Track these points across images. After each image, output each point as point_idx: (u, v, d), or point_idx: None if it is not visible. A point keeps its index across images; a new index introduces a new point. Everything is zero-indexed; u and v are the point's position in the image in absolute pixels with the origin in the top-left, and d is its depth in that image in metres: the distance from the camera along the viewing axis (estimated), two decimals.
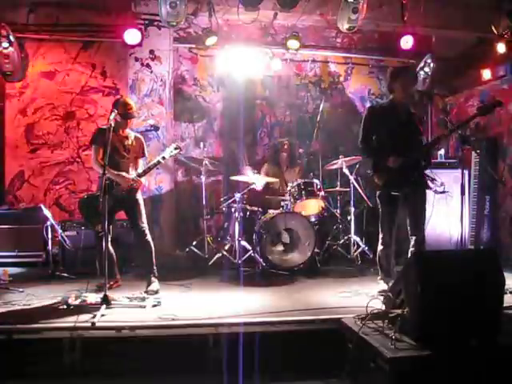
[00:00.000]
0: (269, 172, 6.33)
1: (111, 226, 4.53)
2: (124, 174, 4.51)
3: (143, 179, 4.65)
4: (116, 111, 4.34)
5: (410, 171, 4.18)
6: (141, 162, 4.78)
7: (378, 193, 4.39)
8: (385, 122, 4.27)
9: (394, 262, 4.41)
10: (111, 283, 4.53)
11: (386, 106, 4.46)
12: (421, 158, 4.26)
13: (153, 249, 4.60)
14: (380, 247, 4.38)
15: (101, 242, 4.33)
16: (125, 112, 4.51)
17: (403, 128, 4.25)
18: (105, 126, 4.46)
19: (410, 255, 4.24)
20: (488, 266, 3.03)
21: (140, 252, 4.71)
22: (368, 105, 7.25)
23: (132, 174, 4.60)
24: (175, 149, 4.71)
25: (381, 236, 4.37)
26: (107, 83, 6.67)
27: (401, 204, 4.30)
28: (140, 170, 4.64)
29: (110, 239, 4.45)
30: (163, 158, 4.63)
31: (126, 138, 4.65)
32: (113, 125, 4.15)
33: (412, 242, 4.26)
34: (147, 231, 4.61)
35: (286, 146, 6.40)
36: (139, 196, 4.67)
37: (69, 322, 3.51)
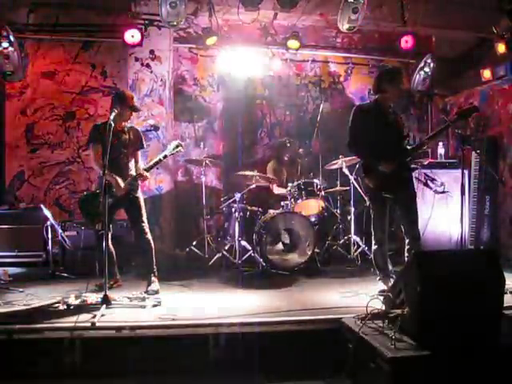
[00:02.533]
0: (272, 171, 6.37)
1: (111, 225, 4.52)
2: (120, 181, 4.43)
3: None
4: (118, 109, 4.28)
5: (399, 173, 4.21)
6: (140, 153, 4.73)
7: (368, 194, 4.42)
8: (373, 122, 4.26)
9: (389, 260, 4.43)
10: (111, 283, 4.52)
11: (372, 107, 4.40)
12: (406, 161, 4.30)
13: (153, 248, 4.58)
14: (374, 246, 4.40)
15: (101, 242, 4.33)
16: (132, 105, 4.47)
17: (391, 129, 4.28)
18: (99, 123, 4.44)
19: (406, 253, 4.28)
20: (488, 266, 3.03)
21: (140, 252, 4.69)
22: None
23: (132, 171, 4.58)
24: (177, 146, 4.63)
25: (374, 235, 4.40)
26: (107, 83, 6.68)
27: (392, 204, 4.33)
28: (142, 167, 4.59)
29: (109, 238, 4.44)
30: (165, 156, 4.59)
31: (123, 132, 4.55)
32: (113, 125, 4.09)
33: (407, 240, 4.28)
34: (147, 230, 4.58)
35: (289, 146, 6.44)
36: (139, 195, 4.63)
37: (69, 322, 3.50)
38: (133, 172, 4.59)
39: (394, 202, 4.32)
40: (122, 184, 4.43)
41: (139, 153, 4.72)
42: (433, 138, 4.41)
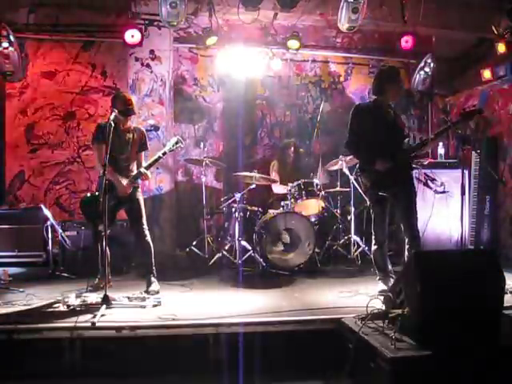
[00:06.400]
0: (276, 170, 6.39)
1: (111, 226, 4.50)
2: (122, 179, 4.44)
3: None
4: (116, 110, 4.29)
5: (397, 172, 4.20)
6: (143, 155, 4.70)
7: (367, 193, 4.44)
8: (372, 121, 4.27)
9: (389, 261, 4.43)
10: (103, 283, 4.47)
11: (372, 106, 4.44)
12: (406, 161, 4.28)
13: (152, 249, 4.58)
14: (374, 247, 4.41)
15: (98, 242, 4.33)
16: (124, 108, 4.43)
17: (390, 129, 4.28)
18: (103, 122, 4.42)
19: (406, 253, 4.27)
20: (488, 266, 3.03)
21: (139, 252, 4.70)
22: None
23: (133, 171, 4.58)
24: (176, 143, 4.58)
25: (374, 235, 4.40)
26: (107, 83, 6.67)
27: (391, 203, 4.33)
28: (144, 164, 4.58)
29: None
30: (164, 153, 4.55)
31: (128, 131, 4.56)
32: (113, 125, 4.10)
33: (406, 240, 4.28)
34: (147, 231, 4.58)
35: (292, 147, 6.46)
36: (140, 196, 4.63)
37: (69, 321, 3.51)
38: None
39: (393, 201, 4.32)
40: (124, 182, 4.44)
41: (142, 154, 4.70)
42: (434, 139, 4.41)
